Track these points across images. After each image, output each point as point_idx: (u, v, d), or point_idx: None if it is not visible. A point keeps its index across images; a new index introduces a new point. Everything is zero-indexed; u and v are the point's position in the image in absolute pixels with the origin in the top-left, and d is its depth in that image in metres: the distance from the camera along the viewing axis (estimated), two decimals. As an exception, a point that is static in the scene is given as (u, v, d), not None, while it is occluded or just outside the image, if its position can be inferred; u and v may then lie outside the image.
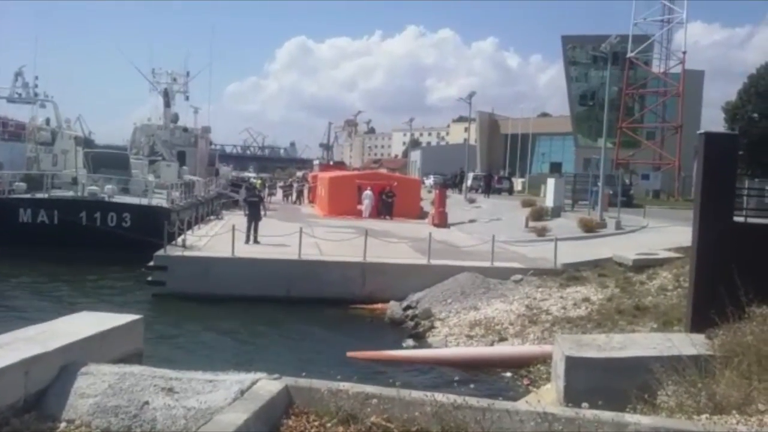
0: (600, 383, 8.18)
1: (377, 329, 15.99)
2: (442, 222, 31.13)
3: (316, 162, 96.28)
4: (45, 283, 20.78)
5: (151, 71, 43.67)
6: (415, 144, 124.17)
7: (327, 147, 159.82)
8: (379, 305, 17.35)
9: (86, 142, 40.26)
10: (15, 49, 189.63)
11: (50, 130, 37.81)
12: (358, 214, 34.27)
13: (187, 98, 45.22)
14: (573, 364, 8.44)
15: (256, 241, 21.40)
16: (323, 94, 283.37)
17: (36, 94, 37.64)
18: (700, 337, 8.66)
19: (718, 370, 6.99)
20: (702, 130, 10.47)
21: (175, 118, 43.99)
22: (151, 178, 32.54)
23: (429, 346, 14.24)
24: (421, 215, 35.68)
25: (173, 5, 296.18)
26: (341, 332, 15.69)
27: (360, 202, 35.30)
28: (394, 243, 22.24)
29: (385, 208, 34.48)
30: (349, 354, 13.25)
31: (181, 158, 40.81)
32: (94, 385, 6.27)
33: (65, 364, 6.58)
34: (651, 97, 56.79)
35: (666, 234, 22.00)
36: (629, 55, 52.72)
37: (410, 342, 14.52)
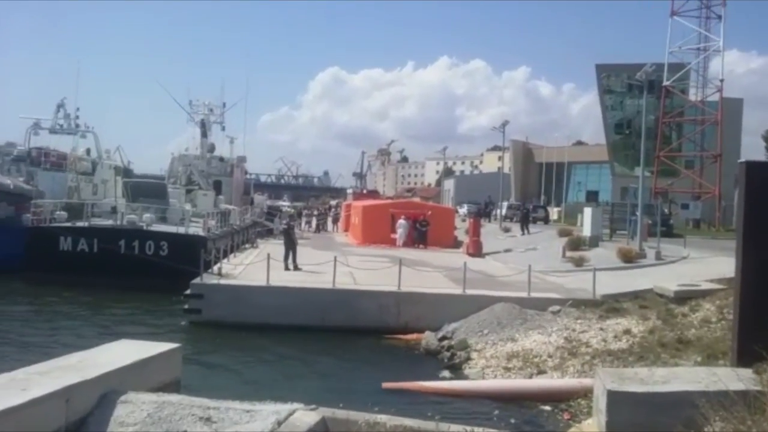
0: (643, 418, 8.00)
1: (412, 360, 15.83)
2: (476, 251, 30.91)
3: (349, 191, 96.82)
4: (84, 310, 21.08)
5: (188, 102, 44.65)
6: (448, 173, 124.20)
7: (360, 176, 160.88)
8: (414, 335, 17.20)
9: (125, 172, 41.18)
10: (57, 81, 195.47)
11: (91, 160, 38.80)
12: (392, 243, 34.22)
13: (223, 128, 46.09)
14: (615, 398, 8.26)
15: (297, 268, 21.76)
16: (355, 123, 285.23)
17: (77, 125, 38.66)
18: (747, 372, 8.41)
19: (769, 406, 6.75)
20: (743, 159, 10.26)
21: (212, 148, 44.75)
22: (187, 207, 33.04)
23: (466, 377, 14.03)
24: (456, 244, 35.51)
25: (210, 38, 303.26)
26: (376, 362, 15.58)
27: (394, 231, 35.28)
28: (429, 272, 22.12)
29: (419, 237, 34.39)
30: (385, 385, 13.11)
31: (217, 187, 41.40)
32: (134, 414, 6.30)
33: (105, 393, 6.63)
34: (689, 125, 56.03)
35: (708, 264, 21.50)
36: (665, 83, 52.27)
37: (446, 373, 14.32)
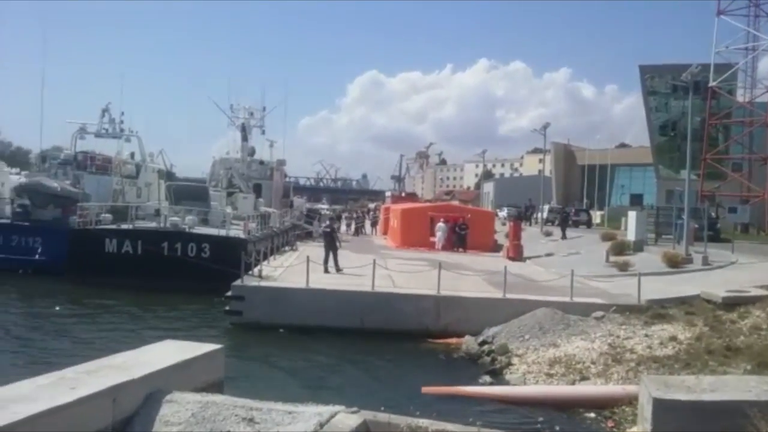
0: (690, 427, 7.83)
1: (452, 364, 15.73)
2: (517, 255, 30.62)
3: (388, 194, 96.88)
4: (128, 311, 21.47)
5: (229, 107, 45.13)
6: (487, 175, 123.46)
7: (399, 179, 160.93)
8: (454, 339, 17.10)
9: (168, 175, 41.93)
10: (102, 85, 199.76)
11: (135, 164, 39.62)
12: (431, 246, 34.13)
13: (263, 132, 46.36)
14: (661, 406, 8.09)
15: (338, 270, 21.91)
16: (393, 126, 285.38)
17: (122, 130, 39.51)
18: (801, 382, 8.14)
19: (826, 418, 6.51)
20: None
21: (252, 152, 45.16)
22: (228, 209, 33.43)
23: (507, 383, 13.85)
24: (495, 248, 35.25)
25: (250, 42, 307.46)
26: (415, 365, 15.51)
27: (433, 234, 35.16)
28: (469, 276, 21.98)
29: (458, 241, 34.21)
30: (425, 389, 13.03)
31: (258, 190, 41.78)
32: (179, 414, 6.37)
33: (150, 392, 6.72)
34: (736, 127, 54.67)
35: (757, 270, 20.98)
36: (711, 84, 51.11)
37: (487, 378, 14.16)
